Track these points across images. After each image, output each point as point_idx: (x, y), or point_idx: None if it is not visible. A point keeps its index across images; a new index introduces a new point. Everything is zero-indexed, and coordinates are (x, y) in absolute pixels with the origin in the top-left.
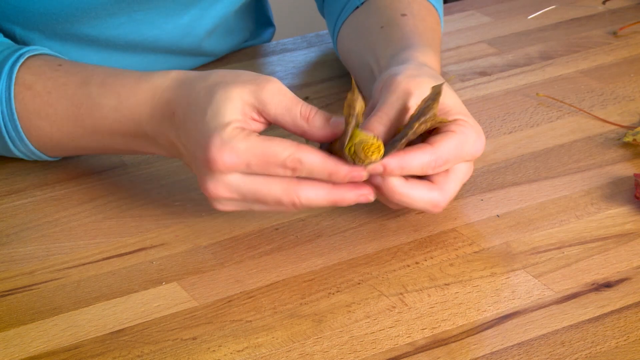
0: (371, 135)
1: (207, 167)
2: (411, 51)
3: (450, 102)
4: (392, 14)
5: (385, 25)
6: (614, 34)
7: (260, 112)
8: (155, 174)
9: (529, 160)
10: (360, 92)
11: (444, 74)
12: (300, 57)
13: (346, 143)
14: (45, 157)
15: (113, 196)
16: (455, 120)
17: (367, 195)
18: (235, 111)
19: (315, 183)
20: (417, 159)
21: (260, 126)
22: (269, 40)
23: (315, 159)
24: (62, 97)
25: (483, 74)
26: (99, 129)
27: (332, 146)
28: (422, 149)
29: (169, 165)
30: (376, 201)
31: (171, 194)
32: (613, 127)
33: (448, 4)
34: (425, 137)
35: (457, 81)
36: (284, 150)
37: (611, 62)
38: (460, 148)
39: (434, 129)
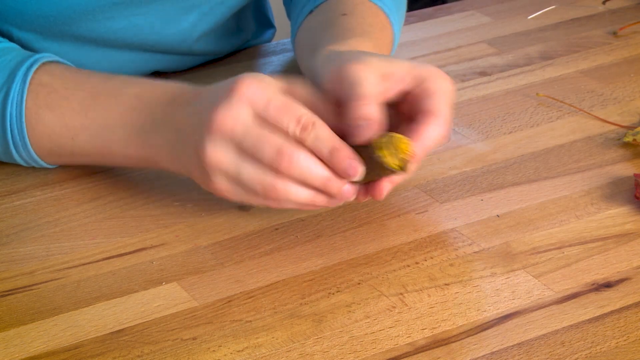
0: (399, 136)
1: (230, 93)
2: (331, 46)
3: (404, 66)
4: (333, 15)
5: (325, 26)
6: (614, 34)
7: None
8: (155, 174)
9: (529, 160)
10: None
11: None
12: None
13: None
14: (42, 163)
15: (113, 196)
16: (422, 77)
17: (350, 192)
18: (268, 78)
19: (314, 157)
20: (432, 132)
21: None
22: (270, 40)
23: (326, 129)
24: (79, 90)
25: (483, 74)
26: (106, 120)
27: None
28: (429, 122)
29: None
30: (376, 202)
31: (171, 194)
32: (613, 127)
33: (448, 4)
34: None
35: (457, 81)
36: (303, 108)
37: (611, 62)
38: (447, 98)
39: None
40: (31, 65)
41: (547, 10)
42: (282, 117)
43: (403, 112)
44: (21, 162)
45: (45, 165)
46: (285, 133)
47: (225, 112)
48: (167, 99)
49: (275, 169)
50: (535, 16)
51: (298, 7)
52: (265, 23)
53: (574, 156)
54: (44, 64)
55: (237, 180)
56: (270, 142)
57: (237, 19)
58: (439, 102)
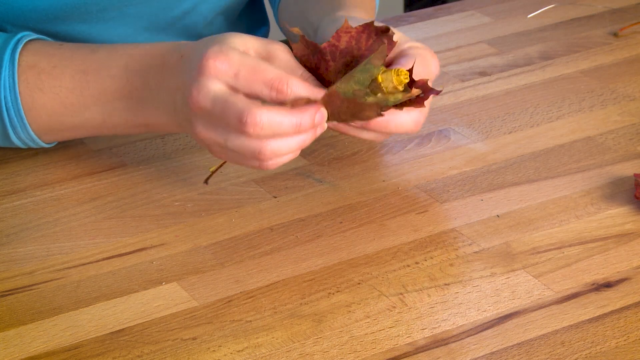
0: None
1: (198, 71)
2: (341, 12)
3: (396, 36)
4: None
5: None
6: (615, 35)
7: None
8: (155, 174)
9: (529, 160)
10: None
11: (443, 74)
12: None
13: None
14: (41, 143)
15: (113, 196)
16: (409, 47)
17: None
18: (242, 43)
19: (276, 109)
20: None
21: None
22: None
23: (302, 86)
24: (68, 67)
25: (483, 74)
26: (103, 93)
27: None
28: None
29: (169, 165)
30: (376, 202)
31: (171, 194)
32: (613, 127)
33: (448, 4)
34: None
35: (457, 81)
36: (274, 70)
37: (611, 62)
38: (426, 66)
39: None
40: (16, 46)
41: (547, 10)
42: (252, 86)
43: None
44: (19, 144)
45: (43, 144)
46: (261, 98)
47: (196, 92)
48: (157, 64)
49: (244, 134)
50: (535, 15)
51: None
52: (259, 19)
53: (574, 156)
54: (26, 43)
55: (228, 150)
56: (232, 110)
57: (231, 13)
58: (411, 62)
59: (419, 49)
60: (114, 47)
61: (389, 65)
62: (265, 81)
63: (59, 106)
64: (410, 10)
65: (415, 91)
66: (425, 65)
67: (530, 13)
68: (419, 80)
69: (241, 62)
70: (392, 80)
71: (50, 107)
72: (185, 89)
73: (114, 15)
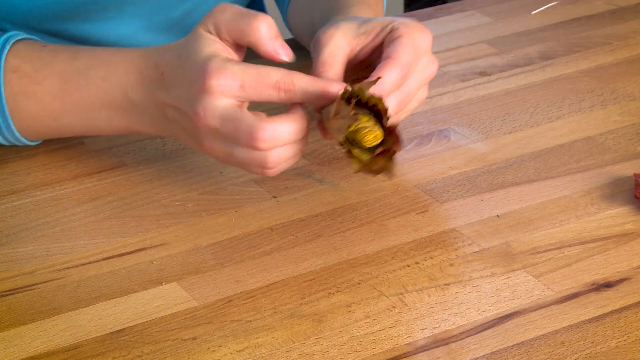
0: (367, 120)
1: (202, 91)
2: (341, 14)
3: (378, 21)
4: None
5: None
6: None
7: (221, 37)
8: (155, 174)
9: (529, 160)
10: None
11: (443, 74)
12: (297, 58)
13: (344, 131)
14: (26, 142)
15: (113, 196)
16: (392, 26)
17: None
18: (213, 43)
19: (283, 119)
20: (389, 79)
21: (237, 55)
22: None
23: (305, 78)
24: (49, 74)
25: (483, 74)
26: (85, 102)
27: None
28: (388, 65)
29: (169, 165)
30: (376, 202)
31: (171, 194)
32: (613, 127)
33: (448, 4)
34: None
35: (457, 81)
36: (276, 71)
37: (611, 62)
38: (414, 46)
39: (381, 43)
40: (3, 47)
41: (548, 10)
42: (260, 93)
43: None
44: (3, 142)
45: (27, 142)
46: (271, 101)
47: (203, 112)
48: (134, 80)
49: (255, 149)
50: (535, 15)
51: None
52: None
53: (574, 156)
54: (13, 43)
55: (233, 161)
56: (242, 128)
57: None
58: (400, 48)
59: (406, 27)
60: (94, 53)
61: (379, 55)
62: (272, 84)
63: (42, 111)
64: (410, 10)
65: (376, 157)
66: (414, 43)
67: (531, 12)
68: (390, 127)
69: (243, 72)
70: (363, 134)
71: (35, 112)
72: (181, 106)
73: (113, 14)
